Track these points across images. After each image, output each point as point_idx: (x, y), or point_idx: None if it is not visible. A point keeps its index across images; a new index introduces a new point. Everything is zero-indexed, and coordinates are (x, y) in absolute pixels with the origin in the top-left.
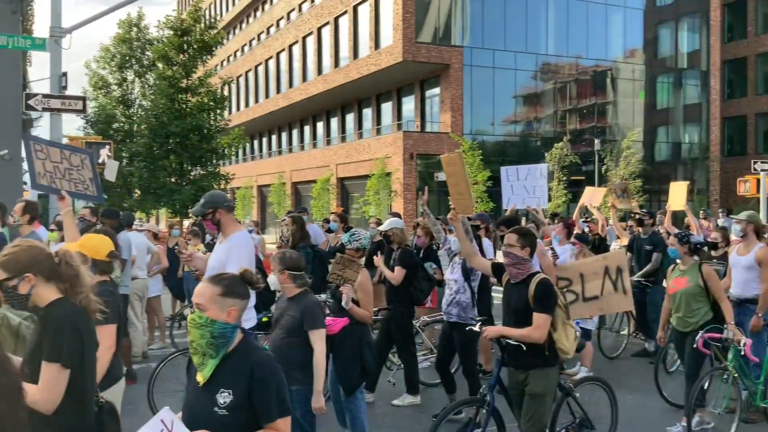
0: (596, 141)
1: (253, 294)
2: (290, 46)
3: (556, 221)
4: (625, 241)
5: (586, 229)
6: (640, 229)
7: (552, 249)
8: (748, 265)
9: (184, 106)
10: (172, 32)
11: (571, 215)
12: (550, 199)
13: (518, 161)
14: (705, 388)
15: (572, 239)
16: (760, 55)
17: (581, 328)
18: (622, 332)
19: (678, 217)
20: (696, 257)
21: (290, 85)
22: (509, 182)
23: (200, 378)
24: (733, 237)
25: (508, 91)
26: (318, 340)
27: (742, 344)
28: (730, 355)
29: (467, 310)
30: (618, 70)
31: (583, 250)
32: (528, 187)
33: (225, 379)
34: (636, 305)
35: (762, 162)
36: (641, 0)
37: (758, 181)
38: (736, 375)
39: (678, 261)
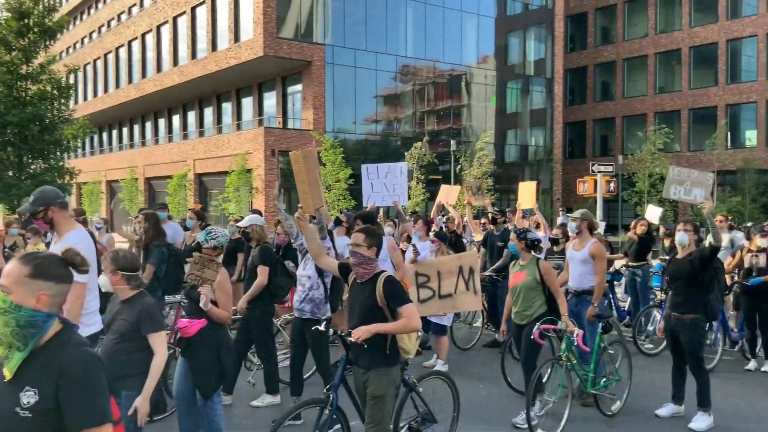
0: (452, 142)
1: (96, 297)
2: (143, 35)
3: (412, 218)
4: (479, 237)
5: (444, 228)
6: (493, 227)
7: (413, 246)
8: (583, 259)
9: (23, 94)
10: (9, 15)
11: (430, 213)
12: (409, 197)
13: (379, 160)
14: (546, 376)
15: (432, 237)
16: (598, 65)
17: (437, 324)
18: (475, 324)
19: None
20: (534, 253)
21: (143, 75)
22: (369, 180)
23: (6, 373)
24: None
25: (369, 91)
26: (159, 343)
27: (574, 335)
28: (563, 345)
29: (320, 307)
30: (472, 74)
31: (441, 247)
32: (388, 185)
33: (31, 376)
34: (488, 298)
35: (599, 164)
36: (493, 9)
37: (595, 181)
38: (569, 363)
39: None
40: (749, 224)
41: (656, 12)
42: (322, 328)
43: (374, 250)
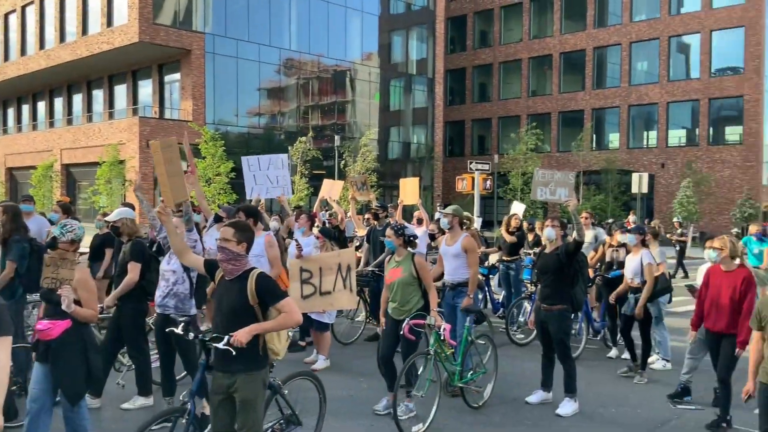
0: (336, 137)
1: None
2: (6, 15)
3: (295, 213)
4: (363, 232)
5: (327, 223)
6: (376, 222)
7: (296, 241)
8: (456, 253)
9: None
10: None
11: (313, 208)
12: (293, 192)
13: (262, 153)
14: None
15: (316, 233)
16: (476, 67)
17: (318, 321)
18: (357, 319)
19: (407, 211)
20: (410, 248)
21: (5, 58)
22: (251, 172)
23: None
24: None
25: (252, 83)
26: (2, 349)
27: (441, 329)
28: (431, 340)
29: (185, 302)
30: (356, 71)
31: (326, 243)
32: (271, 177)
33: None
34: (371, 293)
35: (476, 162)
36: (377, 7)
37: (473, 179)
38: (438, 357)
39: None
40: (611, 221)
41: (530, 18)
42: (179, 330)
43: (244, 245)
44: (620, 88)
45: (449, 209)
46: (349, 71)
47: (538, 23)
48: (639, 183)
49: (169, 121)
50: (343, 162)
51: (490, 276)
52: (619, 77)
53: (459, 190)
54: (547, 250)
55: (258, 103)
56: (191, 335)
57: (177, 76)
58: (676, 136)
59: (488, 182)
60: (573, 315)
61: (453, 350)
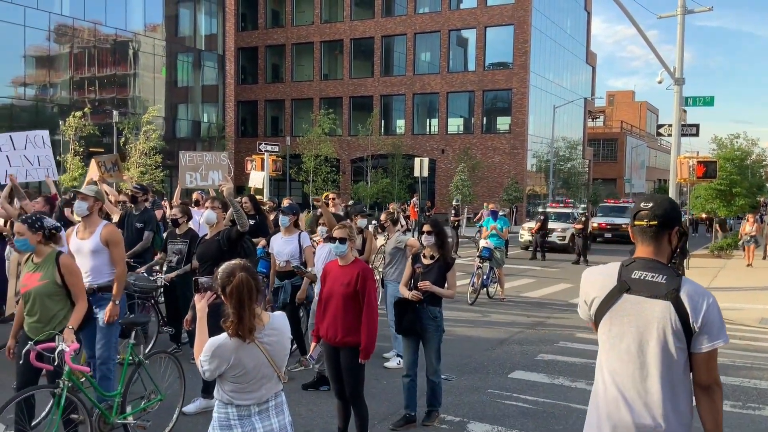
0: (115, 113)
1: None
2: None
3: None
4: (116, 217)
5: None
6: (133, 206)
7: None
8: (95, 248)
9: None
10: None
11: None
12: (65, 171)
13: (30, 128)
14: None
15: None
16: (269, 47)
17: None
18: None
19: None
20: (54, 245)
21: None
22: (4, 152)
23: None
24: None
25: (16, 49)
26: None
27: (57, 352)
28: (67, 367)
29: None
30: (139, 42)
31: None
32: (30, 157)
33: None
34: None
35: (266, 144)
36: None
37: (263, 160)
38: (80, 389)
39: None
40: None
41: (321, 2)
42: None
43: None
44: (405, 77)
45: (89, 190)
46: (131, 42)
47: (330, 7)
48: (420, 167)
49: None
50: (123, 139)
51: None
52: (405, 66)
53: (248, 171)
54: (208, 236)
55: (24, 72)
56: None
57: None
58: (455, 124)
59: (278, 164)
60: None
61: (86, 377)
